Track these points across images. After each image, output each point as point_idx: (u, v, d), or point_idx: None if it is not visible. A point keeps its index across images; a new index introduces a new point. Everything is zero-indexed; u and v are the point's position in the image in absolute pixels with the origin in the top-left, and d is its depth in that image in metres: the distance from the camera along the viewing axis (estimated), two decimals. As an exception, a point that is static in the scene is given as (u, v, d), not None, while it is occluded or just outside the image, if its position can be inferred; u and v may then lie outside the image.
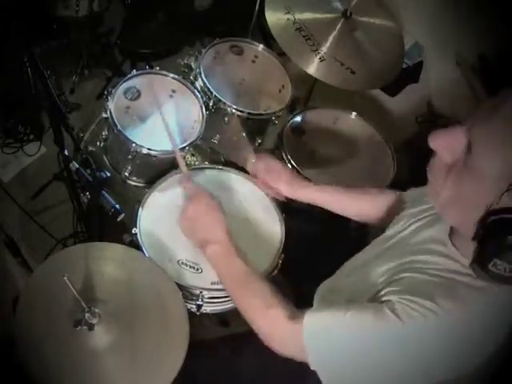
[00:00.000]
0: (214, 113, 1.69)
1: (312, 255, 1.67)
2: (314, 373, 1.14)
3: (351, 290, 1.12)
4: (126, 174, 1.59)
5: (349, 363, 0.97)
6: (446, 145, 0.86)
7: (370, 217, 1.39)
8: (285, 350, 1.05)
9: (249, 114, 1.69)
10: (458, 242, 0.95)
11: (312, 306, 1.30)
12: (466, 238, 0.88)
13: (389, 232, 1.19)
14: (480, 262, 0.83)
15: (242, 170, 1.58)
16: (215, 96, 1.67)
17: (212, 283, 1.33)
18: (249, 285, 1.13)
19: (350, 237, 1.76)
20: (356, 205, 1.40)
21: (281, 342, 1.05)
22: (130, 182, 1.62)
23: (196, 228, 1.22)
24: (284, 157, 1.65)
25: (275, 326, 1.05)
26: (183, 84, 1.66)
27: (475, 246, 0.84)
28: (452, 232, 0.97)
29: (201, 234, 1.21)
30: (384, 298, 0.95)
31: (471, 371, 0.98)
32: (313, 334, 0.99)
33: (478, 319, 0.91)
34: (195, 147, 1.64)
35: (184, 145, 1.53)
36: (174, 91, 1.65)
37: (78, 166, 1.46)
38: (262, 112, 1.75)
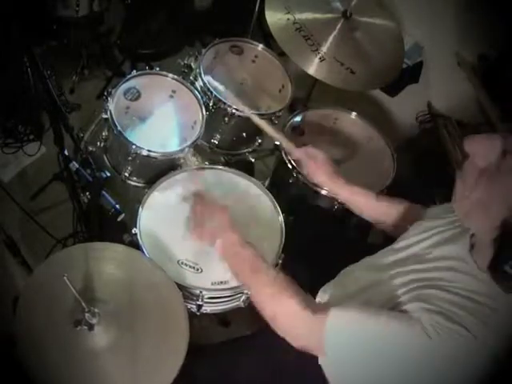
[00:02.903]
0: (214, 113, 1.69)
1: (311, 256, 1.67)
2: (314, 374, 1.14)
3: (365, 299, 1.11)
4: (126, 174, 1.59)
5: (365, 365, 0.97)
6: (481, 150, 0.89)
7: (385, 224, 1.41)
8: (298, 339, 1.04)
9: (249, 113, 1.69)
10: (479, 258, 0.95)
11: None
12: (486, 252, 0.89)
13: (401, 244, 1.18)
14: (497, 263, 0.85)
15: (242, 170, 1.58)
16: (215, 96, 1.67)
17: (212, 283, 1.33)
18: (262, 273, 1.12)
19: (350, 237, 1.76)
20: (372, 210, 1.42)
21: (296, 332, 1.04)
22: (130, 182, 1.62)
23: (205, 223, 1.25)
24: (284, 157, 1.65)
25: (292, 315, 1.04)
26: (183, 84, 1.66)
27: (494, 249, 0.85)
28: (472, 247, 0.97)
29: (208, 230, 1.24)
30: (414, 315, 0.93)
31: None
32: (337, 328, 0.98)
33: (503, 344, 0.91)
34: (195, 147, 1.64)
35: (184, 145, 1.53)
36: (174, 91, 1.65)
37: (77, 166, 1.46)
38: (263, 112, 1.75)
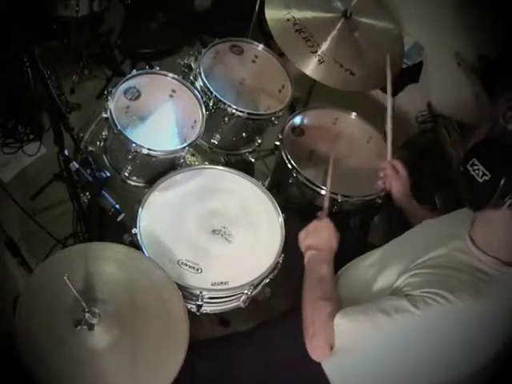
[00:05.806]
0: (214, 113, 1.69)
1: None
2: (311, 369, 1.15)
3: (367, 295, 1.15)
4: (126, 174, 1.59)
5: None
6: None
7: None
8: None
9: (249, 114, 1.69)
10: (478, 238, 0.99)
11: None
12: (484, 231, 0.96)
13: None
14: (462, 162, 0.94)
15: (242, 170, 1.58)
16: (215, 96, 1.67)
17: (212, 283, 1.33)
18: (321, 293, 1.17)
19: (350, 237, 1.76)
20: None
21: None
22: (130, 181, 1.63)
23: (310, 236, 1.31)
24: (284, 157, 1.65)
25: (321, 348, 1.11)
26: (183, 84, 1.66)
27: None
28: (472, 227, 1.01)
29: (310, 241, 1.30)
30: (404, 290, 0.99)
31: (471, 373, 1.00)
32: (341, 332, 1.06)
33: (491, 316, 0.95)
34: (195, 147, 1.64)
35: (184, 145, 1.53)
36: (174, 91, 1.65)
37: (77, 166, 1.46)
38: (262, 112, 1.75)
